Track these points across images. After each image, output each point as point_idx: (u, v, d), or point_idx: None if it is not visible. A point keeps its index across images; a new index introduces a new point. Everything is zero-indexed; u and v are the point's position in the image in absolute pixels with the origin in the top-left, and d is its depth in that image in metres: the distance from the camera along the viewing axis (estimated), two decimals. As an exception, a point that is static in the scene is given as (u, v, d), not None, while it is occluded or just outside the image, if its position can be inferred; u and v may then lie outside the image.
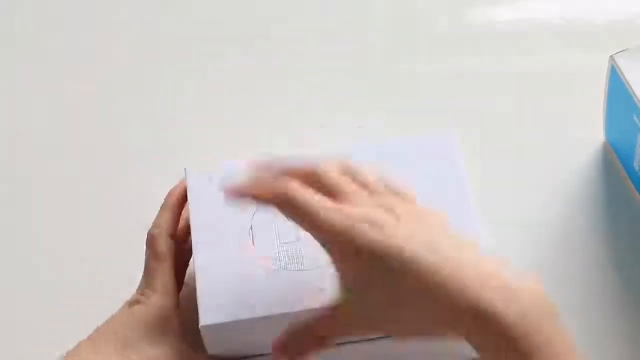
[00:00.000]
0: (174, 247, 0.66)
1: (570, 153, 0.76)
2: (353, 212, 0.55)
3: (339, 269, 0.56)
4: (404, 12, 0.88)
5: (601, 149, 0.76)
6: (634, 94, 0.68)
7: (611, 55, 0.70)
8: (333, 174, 0.57)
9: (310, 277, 0.63)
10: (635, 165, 0.71)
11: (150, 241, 0.67)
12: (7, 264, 0.75)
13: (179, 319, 0.65)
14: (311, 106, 0.82)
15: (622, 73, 0.69)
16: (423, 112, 0.80)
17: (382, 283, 0.54)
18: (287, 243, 0.66)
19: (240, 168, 0.65)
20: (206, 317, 0.64)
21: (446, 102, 0.80)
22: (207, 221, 0.68)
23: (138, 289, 0.65)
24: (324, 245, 0.56)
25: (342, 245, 0.55)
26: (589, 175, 0.75)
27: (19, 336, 0.71)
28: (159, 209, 0.69)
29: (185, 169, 0.69)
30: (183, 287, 0.68)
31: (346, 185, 0.57)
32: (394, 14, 0.88)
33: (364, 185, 0.57)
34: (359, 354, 0.67)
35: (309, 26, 0.88)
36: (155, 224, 0.67)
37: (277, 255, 0.66)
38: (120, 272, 0.72)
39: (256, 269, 0.65)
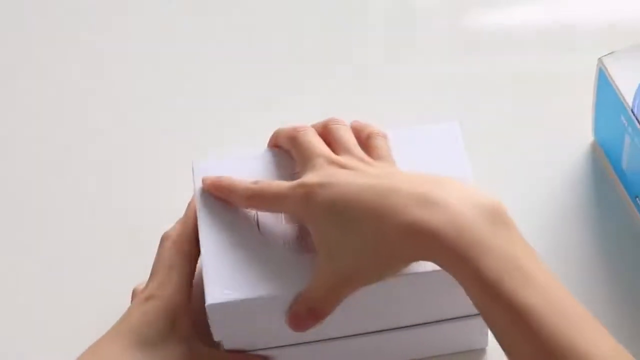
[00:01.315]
0: (195, 253, 0.66)
1: (559, 152, 0.77)
2: (305, 180, 0.59)
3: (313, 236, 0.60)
4: (401, 14, 0.89)
5: (590, 149, 0.76)
6: (621, 95, 0.69)
7: (599, 58, 0.70)
8: (308, 134, 0.63)
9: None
10: (623, 164, 0.72)
11: (177, 241, 0.67)
12: (12, 267, 0.75)
13: (191, 317, 0.65)
14: (310, 106, 0.83)
15: (609, 75, 0.70)
16: (418, 113, 0.81)
17: (337, 232, 0.58)
18: (292, 222, 0.65)
19: (245, 157, 0.67)
20: (213, 296, 0.62)
21: (440, 104, 0.80)
22: (213, 205, 0.67)
23: (151, 284, 0.65)
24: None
25: (301, 212, 0.60)
26: (577, 174, 0.76)
27: (25, 339, 0.71)
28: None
29: (192, 161, 0.68)
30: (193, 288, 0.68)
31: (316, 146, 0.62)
32: (392, 14, 0.89)
33: (342, 145, 0.62)
34: (373, 346, 0.67)
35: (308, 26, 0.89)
36: (179, 230, 0.68)
37: (283, 234, 0.65)
38: (124, 272, 0.72)
39: (262, 249, 0.64)
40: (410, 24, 0.88)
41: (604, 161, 0.75)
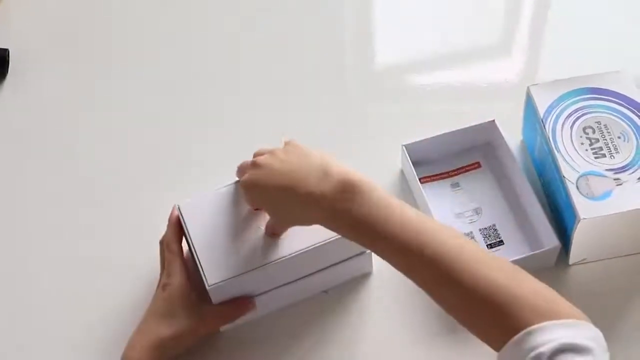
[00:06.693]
0: (181, 250, 0.81)
1: (504, 145, 0.96)
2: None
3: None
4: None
5: (520, 143, 1.00)
6: (537, 110, 0.90)
7: (528, 86, 0.92)
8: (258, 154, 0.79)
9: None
10: (535, 154, 0.95)
11: (167, 245, 0.80)
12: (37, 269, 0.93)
13: (194, 289, 0.79)
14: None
15: (532, 98, 0.92)
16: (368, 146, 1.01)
17: (271, 202, 0.76)
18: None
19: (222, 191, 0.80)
20: (212, 278, 0.74)
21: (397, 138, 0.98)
22: (194, 214, 0.78)
23: (163, 278, 0.79)
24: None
25: (248, 191, 0.77)
26: (513, 156, 0.95)
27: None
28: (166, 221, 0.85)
29: (176, 204, 0.81)
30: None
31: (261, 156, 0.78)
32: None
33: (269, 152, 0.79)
34: (296, 288, 0.82)
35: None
36: (167, 236, 0.81)
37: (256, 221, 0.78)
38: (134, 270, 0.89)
39: (243, 235, 0.76)
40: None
41: (526, 151, 0.99)
